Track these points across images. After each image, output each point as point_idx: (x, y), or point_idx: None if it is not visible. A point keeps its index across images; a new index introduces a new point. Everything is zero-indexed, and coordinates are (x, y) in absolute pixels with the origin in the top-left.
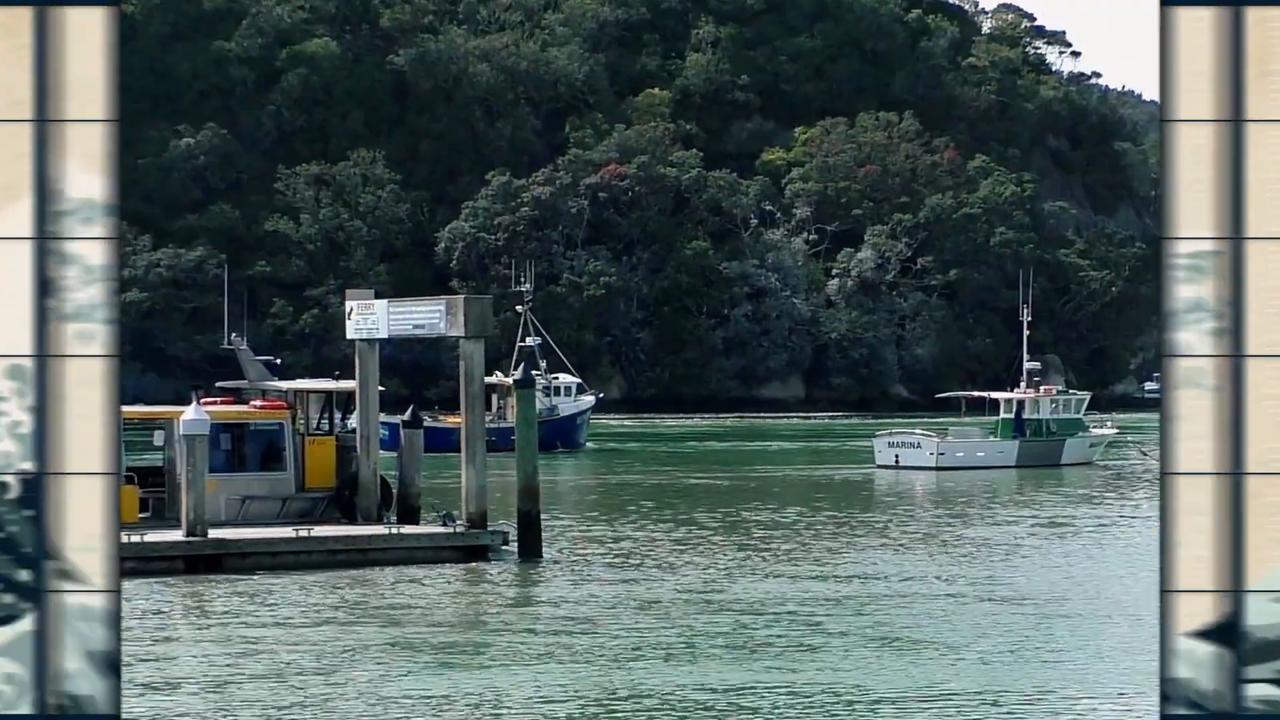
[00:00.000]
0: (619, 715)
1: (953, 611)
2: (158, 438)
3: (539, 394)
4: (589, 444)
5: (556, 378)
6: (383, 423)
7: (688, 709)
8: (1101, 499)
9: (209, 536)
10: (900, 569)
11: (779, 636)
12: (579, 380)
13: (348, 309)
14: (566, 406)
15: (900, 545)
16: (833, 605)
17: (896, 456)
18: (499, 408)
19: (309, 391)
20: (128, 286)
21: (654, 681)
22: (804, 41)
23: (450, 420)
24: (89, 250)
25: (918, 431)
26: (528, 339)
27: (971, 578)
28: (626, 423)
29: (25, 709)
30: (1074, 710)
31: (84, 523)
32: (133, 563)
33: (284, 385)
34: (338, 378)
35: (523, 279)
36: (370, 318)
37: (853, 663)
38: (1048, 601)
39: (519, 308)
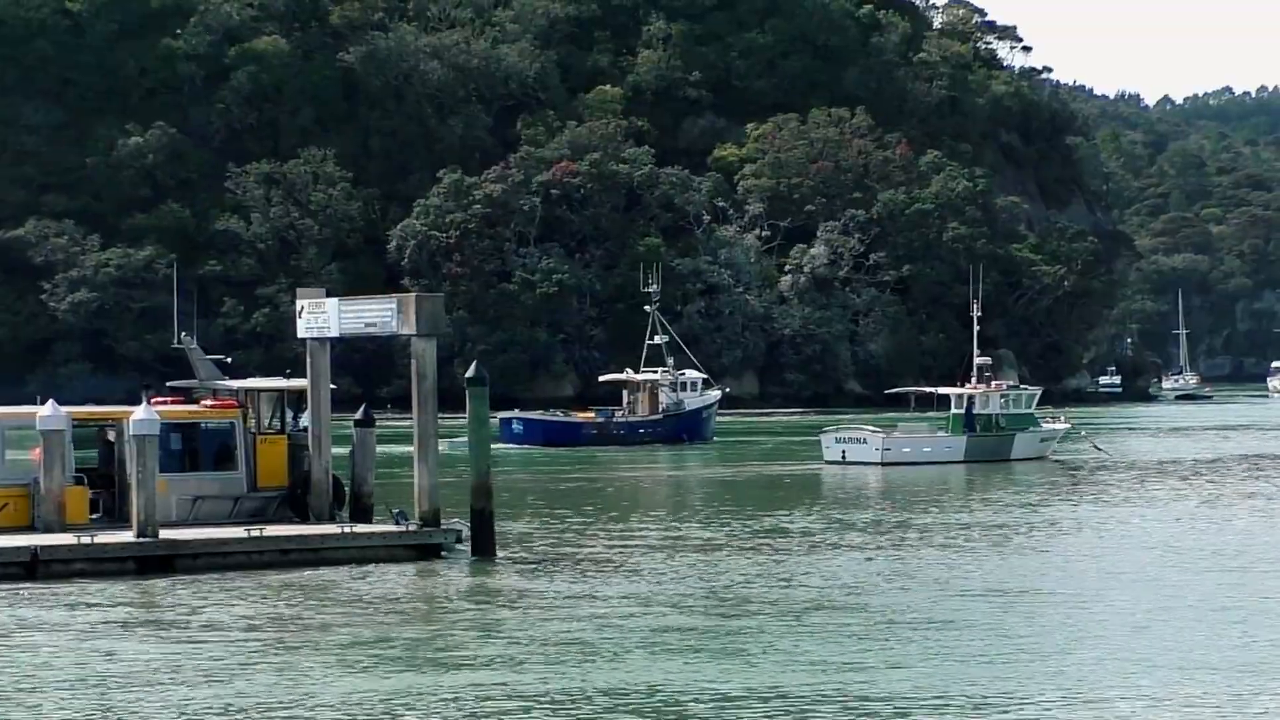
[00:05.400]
0: (554, 713)
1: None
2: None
3: (665, 389)
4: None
5: (683, 373)
6: (518, 418)
7: (630, 706)
8: (1027, 496)
9: (160, 537)
10: (845, 569)
11: (726, 634)
12: (705, 375)
13: (299, 307)
14: (692, 401)
15: (837, 545)
16: (782, 603)
17: (844, 453)
18: (629, 402)
19: (260, 390)
20: (77, 286)
21: (592, 680)
22: (755, 37)
23: (581, 415)
24: None
25: (865, 428)
26: (655, 337)
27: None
28: None
29: None
30: None
31: None
32: (83, 564)
33: (235, 384)
34: (289, 376)
35: (650, 280)
36: (321, 316)
37: (810, 661)
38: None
39: (646, 307)
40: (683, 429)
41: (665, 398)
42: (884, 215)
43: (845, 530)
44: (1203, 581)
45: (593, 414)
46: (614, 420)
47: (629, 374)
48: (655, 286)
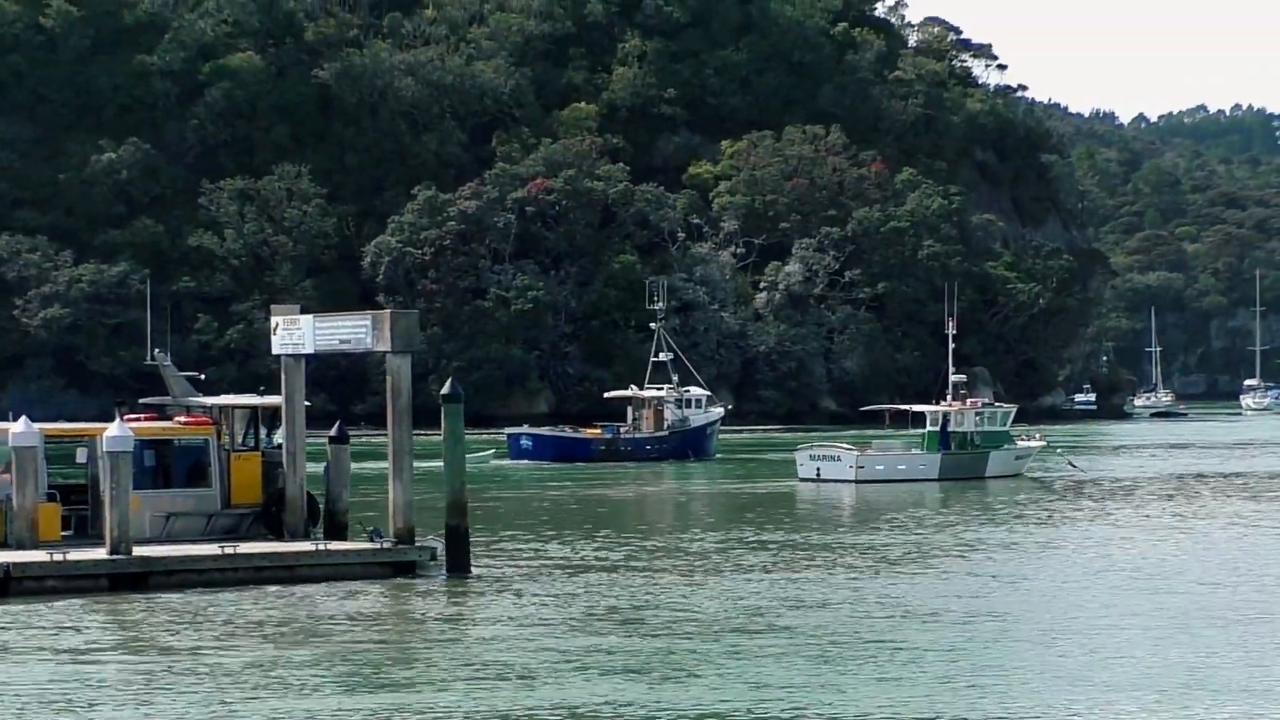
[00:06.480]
0: None
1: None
2: (81, 455)
3: (670, 406)
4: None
5: (687, 390)
6: (527, 434)
7: None
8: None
9: (133, 554)
10: (825, 586)
11: (699, 653)
12: (709, 393)
13: (273, 324)
14: (697, 418)
15: (816, 563)
16: (757, 621)
17: (818, 470)
18: (634, 419)
19: (234, 407)
20: (50, 302)
21: (565, 698)
22: (730, 55)
23: (589, 431)
24: None
25: (839, 445)
26: (660, 354)
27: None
28: None
29: None
30: None
31: None
32: (56, 581)
33: (209, 401)
34: (263, 393)
35: (655, 297)
36: (296, 333)
37: (781, 679)
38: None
39: (652, 324)
40: (688, 445)
41: (670, 414)
42: (859, 233)
43: (816, 550)
44: (1175, 599)
45: (600, 430)
46: (621, 436)
47: (634, 390)
48: (661, 304)
